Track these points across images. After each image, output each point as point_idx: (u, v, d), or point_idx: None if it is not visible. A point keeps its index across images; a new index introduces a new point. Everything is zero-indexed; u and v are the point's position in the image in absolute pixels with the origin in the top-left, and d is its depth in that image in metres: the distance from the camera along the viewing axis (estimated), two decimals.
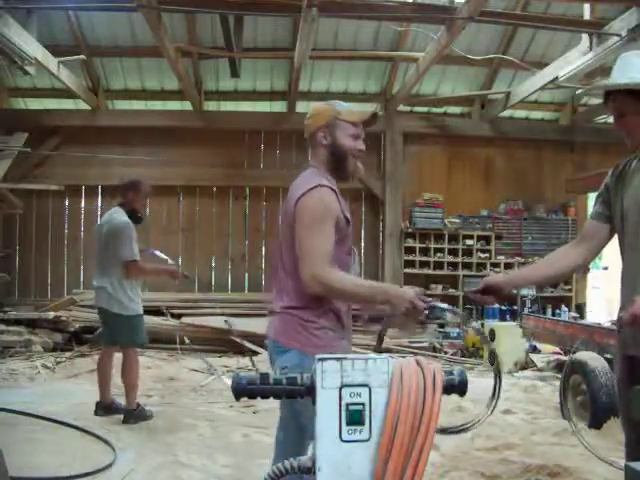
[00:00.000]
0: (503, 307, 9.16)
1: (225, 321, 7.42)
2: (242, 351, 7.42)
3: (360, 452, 1.23)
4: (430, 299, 2.17)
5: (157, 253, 5.22)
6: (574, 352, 5.07)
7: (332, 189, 2.27)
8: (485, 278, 2.45)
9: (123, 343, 4.83)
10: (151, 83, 9.05)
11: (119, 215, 4.80)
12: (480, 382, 6.16)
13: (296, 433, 2.24)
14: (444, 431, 1.85)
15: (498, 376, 1.88)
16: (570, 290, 9.40)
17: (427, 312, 2.15)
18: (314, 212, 2.22)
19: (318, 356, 1.26)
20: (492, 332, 7.11)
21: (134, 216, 4.84)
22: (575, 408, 4.82)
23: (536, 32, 7.94)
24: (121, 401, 4.87)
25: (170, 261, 5.19)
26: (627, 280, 2.24)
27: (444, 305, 2.29)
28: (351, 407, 1.23)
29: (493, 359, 2.13)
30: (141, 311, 4.84)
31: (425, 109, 9.63)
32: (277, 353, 2.32)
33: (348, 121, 2.35)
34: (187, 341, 7.27)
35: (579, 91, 4.39)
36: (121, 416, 4.75)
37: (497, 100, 9.07)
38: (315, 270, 2.16)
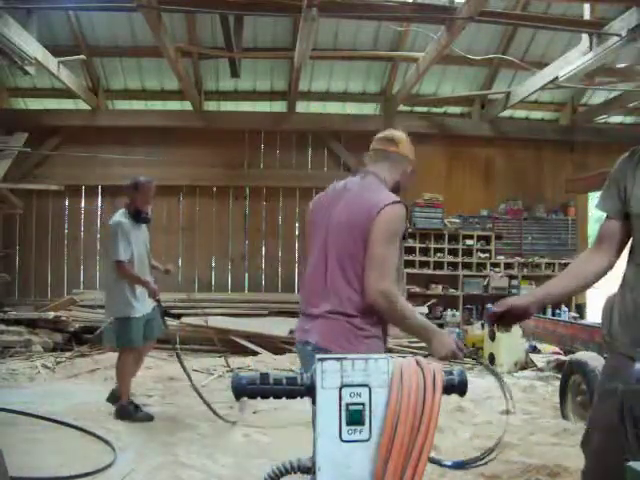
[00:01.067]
0: None
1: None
2: (242, 351, 7.42)
3: (360, 452, 1.23)
4: (466, 350, 2.21)
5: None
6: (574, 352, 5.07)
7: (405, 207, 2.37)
8: (508, 299, 2.18)
9: (114, 343, 4.97)
10: (151, 83, 9.04)
11: (116, 216, 4.84)
12: (480, 382, 6.17)
13: None
14: (464, 465, 1.84)
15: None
16: None
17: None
18: (394, 227, 2.28)
19: (318, 356, 1.27)
20: (492, 332, 7.11)
21: (138, 216, 4.84)
22: (575, 408, 4.82)
23: (536, 32, 7.94)
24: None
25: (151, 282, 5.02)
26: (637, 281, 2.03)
27: (479, 360, 2.32)
28: (351, 407, 1.23)
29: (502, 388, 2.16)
30: (131, 314, 4.74)
31: (425, 109, 9.63)
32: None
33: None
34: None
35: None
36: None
37: (497, 100, 9.07)
38: (385, 285, 2.19)
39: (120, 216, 4.80)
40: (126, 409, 4.77)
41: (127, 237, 4.69)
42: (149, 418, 4.77)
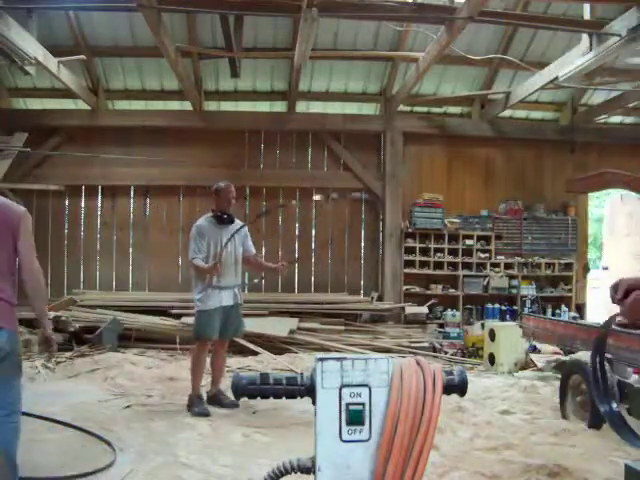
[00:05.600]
0: (503, 307, 9.17)
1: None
2: (242, 351, 7.42)
3: (360, 452, 1.23)
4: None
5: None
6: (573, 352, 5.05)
7: None
8: None
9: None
10: (151, 83, 9.04)
11: (199, 220, 5.27)
12: (480, 382, 6.18)
13: None
14: None
15: None
16: (570, 290, 9.40)
17: None
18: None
19: (318, 356, 1.27)
20: (492, 332, 7.10)
21: (220, 218, 5.21)
22: (575, 408, 4.82)
23: (536, 32, 7.95)
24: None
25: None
26: None
27: None
28: (351, 407, 1.23)
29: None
30: (206, 307, 5.06)
31: (425, 109, 9.63)
32: None
33: None
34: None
35: None
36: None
37: (497, 100, 9.07)
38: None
39: (202, 220, 5.23)
40: (190, 401, 5.06)
41: (201, 238, 5.09)
42: (205, 413, 4.94)
